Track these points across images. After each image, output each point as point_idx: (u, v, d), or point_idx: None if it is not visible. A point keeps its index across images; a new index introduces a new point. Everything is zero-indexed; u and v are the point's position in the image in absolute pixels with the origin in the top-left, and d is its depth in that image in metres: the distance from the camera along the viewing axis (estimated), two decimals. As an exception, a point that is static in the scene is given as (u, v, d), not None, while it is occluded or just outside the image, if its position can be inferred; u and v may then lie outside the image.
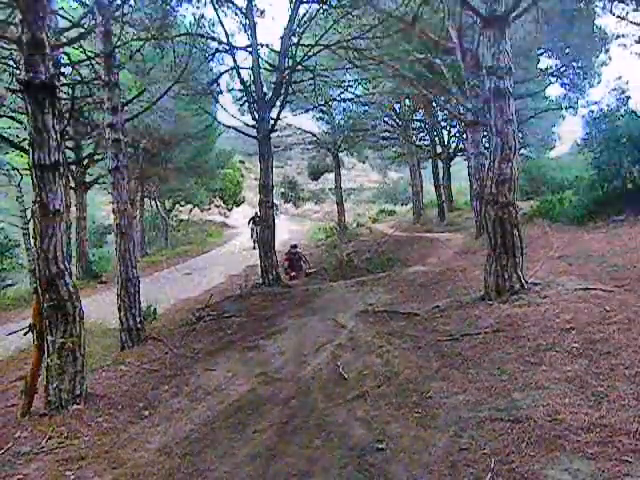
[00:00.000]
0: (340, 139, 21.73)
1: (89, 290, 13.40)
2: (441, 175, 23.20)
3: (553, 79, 16.89)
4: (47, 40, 3.70)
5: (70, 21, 7.96)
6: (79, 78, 9.07)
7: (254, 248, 16.43)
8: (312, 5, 10.35)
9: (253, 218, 17.12)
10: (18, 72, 4.20)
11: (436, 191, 22.70)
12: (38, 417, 3.64)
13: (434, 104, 18.09)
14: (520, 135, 18.62)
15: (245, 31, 10.20)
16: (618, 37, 13.39)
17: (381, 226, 26.02)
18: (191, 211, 33.29)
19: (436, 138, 22.28)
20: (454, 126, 21.47)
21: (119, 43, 7.13)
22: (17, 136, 11.67)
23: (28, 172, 4.06)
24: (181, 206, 31.26)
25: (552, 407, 2.46)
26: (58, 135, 3.81)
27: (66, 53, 8.88)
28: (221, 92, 13.14)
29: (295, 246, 13.04)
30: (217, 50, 10.96)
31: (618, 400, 2.41)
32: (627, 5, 11.42)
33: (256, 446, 2.82)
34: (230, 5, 10.21)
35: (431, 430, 2.52)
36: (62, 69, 9.00)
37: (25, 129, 4.60)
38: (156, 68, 10.46)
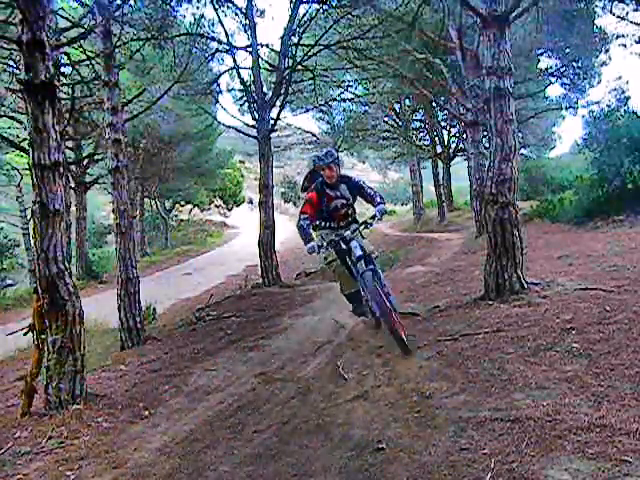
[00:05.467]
0: (340, 139, 21.73)
1: (89, 290, 13.42)
2: (441, 175, 23.22)
3: (553, 79, 16.90)
4: (47, 40, 3.70)
5: (70, 21, 7.96)
6: (79, 78, 9.08)
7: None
8: (312, 5, 10.36)
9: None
10: (18, 72, 4.21)
11: (436, 191, 22.72)
12: (38, 417, 3.63)
13: (434, 104, 18.09)
14: (520, 135, 18.65)
15: (245, 31, 10.22)
16: (618, 37, 13.40)
17: (381, 226, 26.03)
18: (191, 211, 33.32)
19: (436, 138, 22.29)
20: (454, 126, 21.48)
21: (119, 43, 7.14)
22: (17, 136, 11.69)
23: (28, 172, 4.06)
24: (181, 206, 31.29)
25: (552, 407, 2.46)
26: (58, 135, 3.81)
27: (66, 53, 8.88)
28: (221, 92, 13.15)
29: None
30: (217, 50, 10.98)
31: (618, 400, 2.41)
32: (627, 5, 11.42)
33: (256, 446, 2.82)
34: (230, 5, 10.22)
35: (431, 430, 2.52)
36: (62, 69, 9.01)
37: (25, 129, 4.60)
38: (156, 68, 10.47)
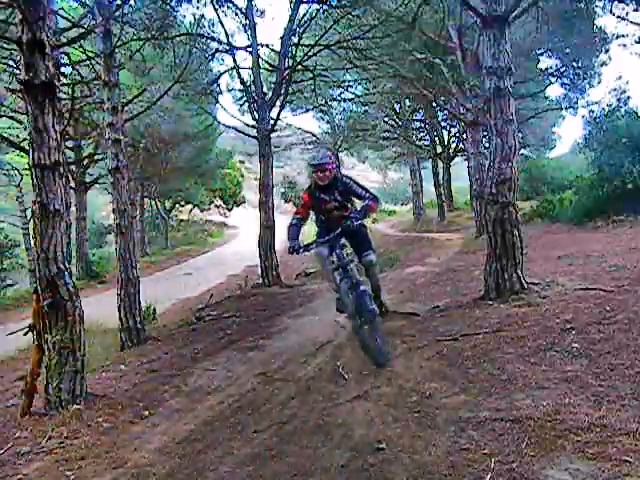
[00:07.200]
0: (340, 139, 21.73)
1: (89, 290, 13.40)
2: (441, 175, 23.23)
3: (553, 79, 16.90)
4: (47, 40, 3.69)
5: (70, 21, 7.96)
6: (79, 78, 9.07)
7: None
8: (312, 5, 10.36)
9: None
10: (18, 72, 4.21)
11: (436, 191, 22.72)
12: (38, 417, 3.63)
13: (434, 104, 18.09)
14: (520, 135, 18.63)
15: (245, 31, 10.23)
16: (618, 37, 13.41)
17: (381, 226, 26.03)
18: (191, 211, 33.28)
19: (436, 138, 22.30)
20: (454, 126, 21.48)
21: (119, 43, 7.13)
22: (17, 136, 11.67)
23: (28, 172, 4.06)
24: (181, 206, 31.24)
25: (552, 407, 2.46)
26: (58, 135, 3.81)
27: (66, 53, 8.87)
28: (221, 92, 13.15)
29: None
30: (217, 50, 10.98)
31: (618, 400, 2.41)
32: (627, 5, 11.42)
33: (256, 446, 2.82)
34: (230, 5, 10.22)
35: (431, 430, 2.52)
36: (62, 69, 9.00)
37: (25, 129, 4.60)
38: (156, 68, 10.47)
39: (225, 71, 12.05)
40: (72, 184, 15.42)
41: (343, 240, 4.17)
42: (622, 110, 10.81)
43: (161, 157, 19.84)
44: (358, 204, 4.24)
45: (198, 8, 10.06)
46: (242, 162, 39.84)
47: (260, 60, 10.34)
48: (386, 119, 20.37)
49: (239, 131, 11.19)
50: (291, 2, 10.04)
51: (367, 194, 4.14)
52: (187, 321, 7.50)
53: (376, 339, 3.72)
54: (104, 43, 6.57)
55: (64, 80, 8.95)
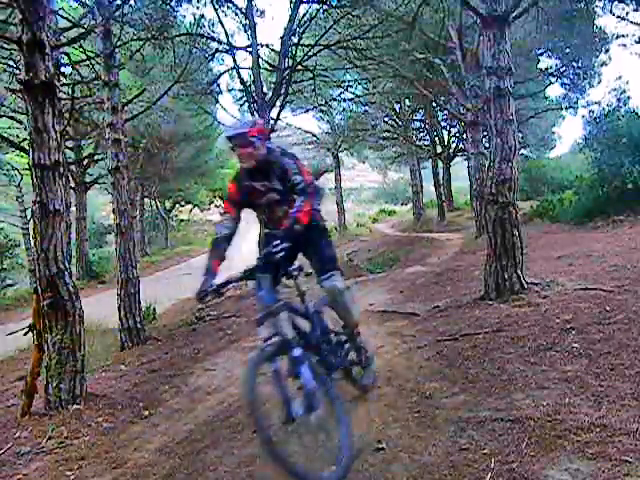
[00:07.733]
0: (340, 139, 21.73)
1: (89, 290, 13.40)
2: (441, 175, 23.24)
3: (553, 79, 16.91)
4: (47, 40, 3.70)
5: (70, 21, 7.95)
6: (79, 78, 9.07)
7: None
8: (312, 5, 10.37)
9: None
10: (18, 72, 4.21)
11: (436, 191, 22.73)
12: (38, 417, 3.63)
13: (434, 104, 18.09)
14: (520, 135, 18.66)
15: (245, 31, 10.25)
16: (618, 37, 13.41)
17: (381, 226, 26.05)
18: (191, 211, 33.31)
19: (436, 138, 22.30)
20: (454, 126, 21.49)
21: (119, 43, 7.14)
22: (17, 136, 11.67)
23: (28, 172, 4.06)
24: (181, 206, 31.29)
25: (552, 407, 2.46)
26: (58, 135, 3.81)
27: (66, 53, 8.86)
28: (221, 92, 13.16)
29: None
30: (217, 50, 10.99)
31: (618, 400, 2.41)
32: (627, 5, 11.42)
33: (256, 446, 2.81)
34: (230, 5, 10.24)
35: (431, 430, 2.52)
36: (62, 69, 8.99)
37: (25, 129, 4.60)
38: (156, 68, 10.47)
39: (225, 71, 12.08)
40: (72, 184, 15.42)
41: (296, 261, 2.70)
42: (622, 110, 10.81)
43: (161, 157, 19.87)
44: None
45: (198, 8, 10.09)
46: (242, 162, 39.85)
47: (260, 60, 10.36)
48: (386, 119, 20.38)
49: (239, 131, 11.20)
50: (291, 2, 10.05)
51: (299, 186, 2.61)
52: (187, 321, 7.50)
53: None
54: (104, 43, 6.57)
55: (64, 80, 8.94)
